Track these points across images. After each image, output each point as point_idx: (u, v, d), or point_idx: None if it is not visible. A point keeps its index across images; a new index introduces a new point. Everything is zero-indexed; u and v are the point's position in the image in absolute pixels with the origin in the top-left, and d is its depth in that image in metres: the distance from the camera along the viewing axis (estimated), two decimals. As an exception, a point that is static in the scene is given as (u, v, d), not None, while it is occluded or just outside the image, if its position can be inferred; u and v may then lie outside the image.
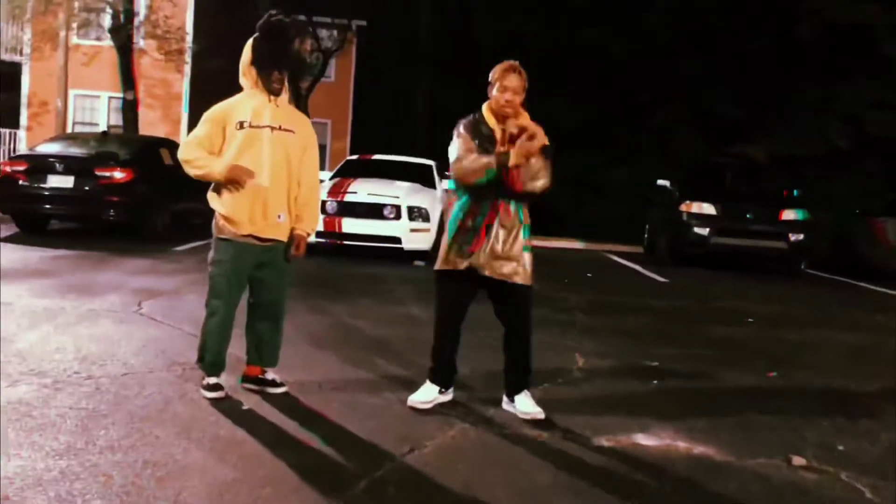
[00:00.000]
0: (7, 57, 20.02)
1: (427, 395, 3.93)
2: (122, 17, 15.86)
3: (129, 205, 9.91)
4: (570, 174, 21.30)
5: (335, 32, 21.83)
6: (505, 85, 3.75)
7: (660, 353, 5.55)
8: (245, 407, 3.76)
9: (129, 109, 16.76)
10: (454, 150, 3.79)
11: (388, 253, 9.83)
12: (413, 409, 3.85)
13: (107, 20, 16.86)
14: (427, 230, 9.87)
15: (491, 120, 3.81)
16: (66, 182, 9.82)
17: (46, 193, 9.90)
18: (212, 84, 19.66)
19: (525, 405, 3.89)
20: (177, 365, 4.40)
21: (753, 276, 11.28)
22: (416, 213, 9.79)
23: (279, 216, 3.85)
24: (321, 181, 10.90)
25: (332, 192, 9.98)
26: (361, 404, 3.93)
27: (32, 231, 10.43)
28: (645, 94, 20.05)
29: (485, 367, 4.65)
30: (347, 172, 11.19)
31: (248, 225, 3.78)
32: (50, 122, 18.29)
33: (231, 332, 3.92)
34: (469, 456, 3.32)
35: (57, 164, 9.93)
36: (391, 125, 25.55)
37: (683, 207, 11.55)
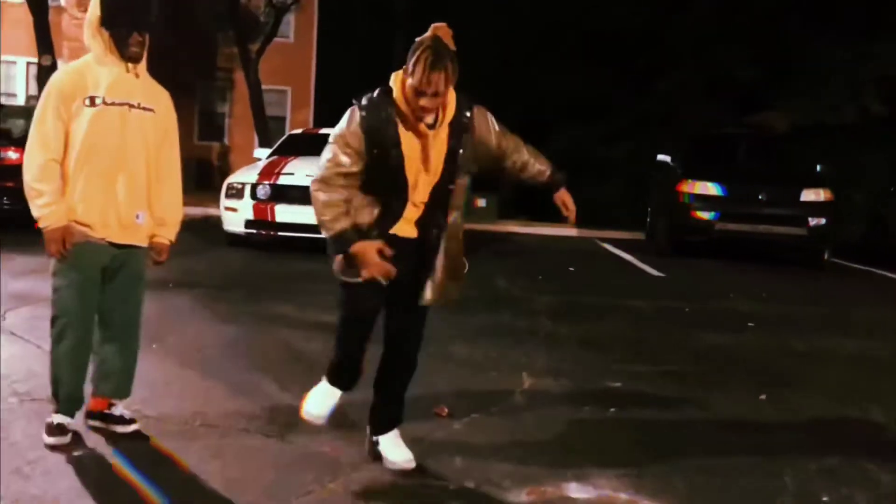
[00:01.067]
0: None
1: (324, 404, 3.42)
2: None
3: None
4: (563, 149, 20.98)
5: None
6: (420, 89, 2.99)
7: (628, 371, 5.21)
8: (76, 452, 3.39)
9: (47, 76, 16.29)
10: (325, 155, 3.18)
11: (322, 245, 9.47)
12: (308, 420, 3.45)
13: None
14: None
15: (402, 104, 3.09)
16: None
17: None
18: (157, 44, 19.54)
19: (395, 452, 3.43)
20: (15, 395, 4.04)
21: (766, 269, 10.95)
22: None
23: (137, 216, 3.51)
24: (258, 159, 10.67)
25: (265, 173, 9.62)
26: (229, 447, 3.58)
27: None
28: (648, 55, 19.64)
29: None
30: (288, 150, 10.81)
31: (100, 228, 3.42)
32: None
33: (87, 357, 3.54)
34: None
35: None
36: (361, 92, 25.11)
37: (684, 187, 11.19)
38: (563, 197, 3.57)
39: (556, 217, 12.51)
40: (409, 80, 3.01)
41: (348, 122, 3.13)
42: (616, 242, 13.67)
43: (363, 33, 25.15)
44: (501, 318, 6.67)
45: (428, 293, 3.30)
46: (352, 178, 3.13)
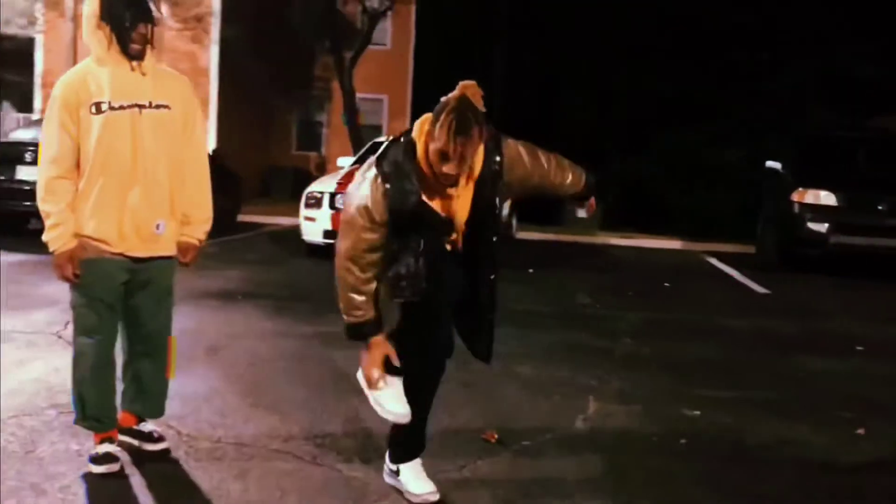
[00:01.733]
0: (17, 31, 20.69)
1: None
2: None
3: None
4: (670, 156, 20.38)
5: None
6: (446, 153, 2.78)
7: (710, 398, 4.88)
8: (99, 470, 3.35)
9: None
10: (348, 225, 2.97)
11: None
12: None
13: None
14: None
15: (424, 166, 2.91)
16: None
17: (15, 187, 9.93)
18: (241, 55, 20.04)
19: (417, 484, 3.22)
20: (55, 406, 4.07)
21: (885, 287, 10.22)
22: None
23: (157, 226, 3.38)
24: (341, 167, 10.72)
25: (344, 182, 9.59)
26: (256, 468, 3.48)
27: (7, 231, 10.49)
28: (761, 53, 18.83)
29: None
30: (369, 156, 10.81)
31: (114, 242, 3.31)
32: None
33: (112, 377, 3.48)
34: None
35: (27, 153, 9.95)
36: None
37: (795, 196, 10.59)
38: (592, 204, 3.59)
39: (661, 229, 12.18)
40: (433, 144, 2.81)
41: (371, 191, 2.91)
42: (722, 256, 13.09)
43: (462, 40, 25.07)
44: (578, 337, 6.41)
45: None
46: (380, 249, 2.98)
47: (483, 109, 2.86)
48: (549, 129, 26.17)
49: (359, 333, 3.03)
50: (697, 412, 4.61)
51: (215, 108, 20.53)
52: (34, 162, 9.72)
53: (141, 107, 3.32)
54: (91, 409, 3.40)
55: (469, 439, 3.94)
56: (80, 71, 3.34)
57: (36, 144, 10.10)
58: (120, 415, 3.58)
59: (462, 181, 2.92)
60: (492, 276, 3.18)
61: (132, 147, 3.30)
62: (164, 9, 17.81)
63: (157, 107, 3.36)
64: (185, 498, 3.19)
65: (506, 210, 12.29)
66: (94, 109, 3.25)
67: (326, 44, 20.92)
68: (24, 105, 21.03)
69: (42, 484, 3.20)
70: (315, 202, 9.50)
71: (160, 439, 3.60)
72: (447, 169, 2.81)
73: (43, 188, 3.27)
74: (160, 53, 3.52)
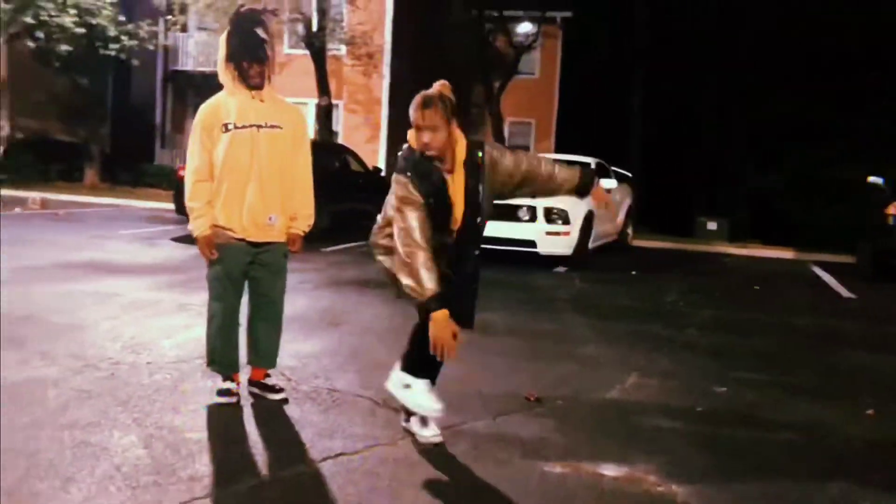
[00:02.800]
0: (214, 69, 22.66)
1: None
2: (314, 25, 17.31)
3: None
4: (795, 174, 19.63)
5: (537, 26, 21.94)
6: (419, 125, 3.27)
7: (743, 379, 5.03)
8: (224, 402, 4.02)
9: (324, 114, 18.24)
10: (402, 219, 3.24)
11: (526, 257, 9.76)
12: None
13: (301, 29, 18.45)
14: (566, 233, 9.69)
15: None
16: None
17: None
18: (410, 86, 21.01)
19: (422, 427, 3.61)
20: (202, 357, 4.78)
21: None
22: (555, 216, 9.65)
23: (270, 218, 3.95)
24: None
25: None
26: (338, 409, 4.04)
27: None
28: (880, 76, 17.79)
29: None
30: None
31: (239, 230, 3.92)
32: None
33: (236, 333, 4.10)
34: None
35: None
36: (601, 123, 25.12)
37: (890, 209, 10.16)
38: (599, 194, 3.68)
39: (780, 241, 11.90)
40: (412, 129, 3.29)
41: (403, 187, 3.27)
42: (827, 265, 12.61)
43: (602, 69, 25.10)
44: (649, 327, 6.61)
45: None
46: (428, 229, 3.25)
47: (451, 98, 3.31)
48: (683, 150, 25.79)
49: (433, 305, 3.13)
50: (724, 389, 4.79)
51: (385, 130, 21.70)
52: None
53: (259, 127, 3.90)
54: (217, 357, 4.05)
55: (513, 399, 4.34)
56: (215, 100, 3.97)
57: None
58: (251, 371, 4.21)
59: (453, 173, 3.33)
60: (476, 252, 3.50)
61: (250, 158, 3.88)
62: (344, 49, 19.13)
63: (271, 127, 3.93)
64: (276, 423, 3.78)
65: (621, 216, 12.42)
66: (223, 129, 3.87)
67: (479, 75, 21.60)
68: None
69: (179, 406, 3.90)
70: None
71: (280, 390, 4.15)
72: (425, 139, 3.24)
73: (189, 190, 3.93)
74: (271, 85, 4.03)
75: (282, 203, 4.01)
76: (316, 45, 17.16)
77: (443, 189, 3.32)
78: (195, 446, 3.40)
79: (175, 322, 5.71)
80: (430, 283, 3.13)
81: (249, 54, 3.86)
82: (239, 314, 4.11)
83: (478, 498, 3.09)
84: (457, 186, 3.37)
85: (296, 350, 5.10)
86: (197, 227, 3.91)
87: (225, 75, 3.93)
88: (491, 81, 20.74)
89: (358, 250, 10.57)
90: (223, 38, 3.95)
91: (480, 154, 3.41)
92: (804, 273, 11.75)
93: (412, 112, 3.29)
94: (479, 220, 3.44)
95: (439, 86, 3.35)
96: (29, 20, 16.87)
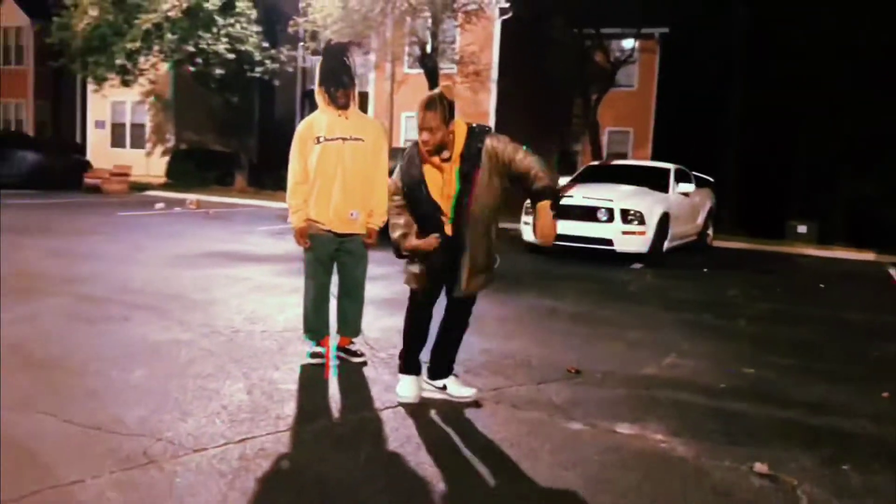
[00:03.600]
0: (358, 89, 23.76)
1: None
2: (428, 48, 17.92)
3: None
4: (887, 178, 18.60)
5: (634, 42, 21.72)
6: (420, 126, 3.62)
7: (772, 363, 5.14)
8: (316, 367, 4.55)
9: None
10: (390, 195, 3.88)
11: (605, 254, 9.92)
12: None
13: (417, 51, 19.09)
14: (642, 233, 9.78)
15: (421, 147, 3.67)
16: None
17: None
18: (515, 99, 21.34)
19: (460, 389, 4.01)
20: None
21: None
22: (631, 216, 9.77)
23: (352, 214, 4.42)
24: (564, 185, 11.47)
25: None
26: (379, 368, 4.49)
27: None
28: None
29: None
30: (584, 178, 11.50)
31: (327, 223, 4.42)
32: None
33: (326, 307, 4.59)
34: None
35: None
36: (697, 131, 24.56)
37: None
38: (540, 211, 3.63)
39: (867, 244, 11.44)
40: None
41: (393, 175, 3.88)
42: (906, 267, 12.06)
43: (699, 80, 24.52)
44: (702, 317, 6.71)
45: (462, 284, 3.81)
46: (402, 207, 3.82)
47: (451, 99, 3.59)
48: (779, 157, 24.83)
49: (396, 248, 3.81)
50: (752, 370, 4.92)
51: (492, 141, 22.10)
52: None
53: (344, 139, 4.38)
54: (310, 325, 4.59)
55: (557, 370, 4.67)
56: (311, 117, 4.48)
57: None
58: (339, 339, 4.70)
59: (451, 163, 3.63)
60: (464, 229, 3.72)
61: (337, 164, 4.36)
62: (455, 67, 19.70)
63: (355, 139, 4.41)
64: (353, 380, 4.27)
65: (701, 218, 12.29)
66: (315, 141, 4.38)
67: (578, 88, 21.64)
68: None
69: (280, 365, 4.46)
70: (528, 211, 10.38)
71: (361, 355, 4.66)
72: (423, 137, 3.59)
73: (289, 190, 4.44)
74: (355, 103, 4.48)
75: (362, 202, 4.47)
76: (429, 65, 17.75)
77: (419, 181, 3.70)
78: (286, 394, 3.94)
79: (289, 301, 6.31)
80: (394, 233, 3.79)
81: (336, 81, 4.35)
82: (329, 292, 4.62)
83: (502, 446, 3.45)
84: (450, 175, 3.66)
85: (382, 325, 5.58)
86: (295, 220, 4.43)
87: (318, 97, 4.43)
88: (589, 94, 20.75)
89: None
90: (318, 65, 4.48)
91: (480, 145, 3.63)
92: (877, 274, 11.28)
93: (417, 111, 3.63)
94: (467, 201, 3.65)
95: (446, 91, 3.64)
96: (190, 48, 18.33)
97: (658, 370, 4.84)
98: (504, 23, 21.10)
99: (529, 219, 10.34)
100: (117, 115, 25.47)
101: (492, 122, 22.01)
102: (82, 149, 24.54)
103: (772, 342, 5.85)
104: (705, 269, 10.08)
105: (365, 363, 4.59)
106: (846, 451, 3.55)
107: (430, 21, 17.48)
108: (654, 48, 24.29)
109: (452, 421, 3.68)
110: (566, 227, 9.90)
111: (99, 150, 24.89)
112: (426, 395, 3.99)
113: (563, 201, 9.99)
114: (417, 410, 3.80)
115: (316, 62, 18.63)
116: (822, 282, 9.63)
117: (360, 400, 3.95)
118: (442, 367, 4.04)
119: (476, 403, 3.94)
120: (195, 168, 22.50)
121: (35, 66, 27.87)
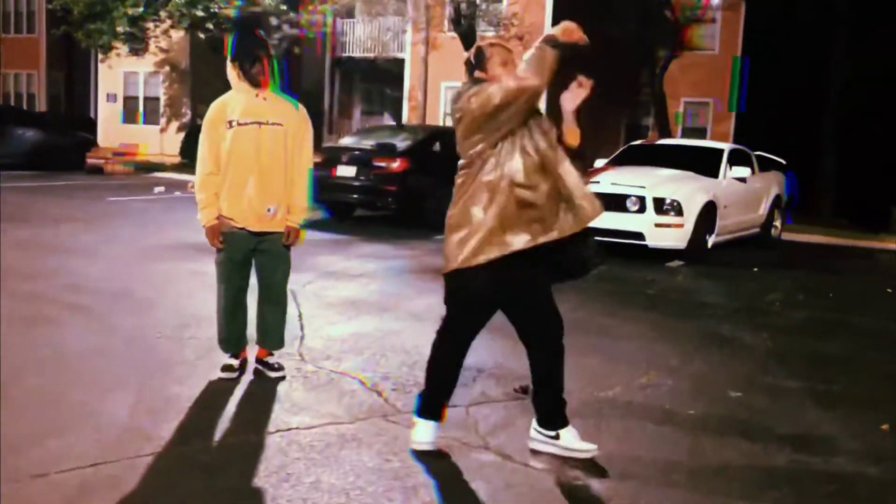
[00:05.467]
0: (395, 54, 23.89)
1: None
2: (462, 8, 17.85)
3: (403, 193, 11.51)
4: None
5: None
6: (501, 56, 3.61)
7: (767, 385, 5.01)
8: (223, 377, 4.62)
9: (473, 99, 18.75)
10: (504, 83, 3.43)
11: (641, 250, 9.72)
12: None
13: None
14: (679, 225, 9.54)
15: None
16: (350, 172, 11.77)
17: (337, 182, 11.95)
18: (568, 67, 21.09)
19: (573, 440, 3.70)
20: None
21: None
22: (667, 206, 9.53)
23: (269, 209, 4.42)
24: (594, 168, 11.30)
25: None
26: (328, 387, 4.53)
27: (340, 218, 12.58)
28: None
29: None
30: (623, 160, 11.29)
31: (240, 220, 4.43)
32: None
33: (241, 315, 4.64)
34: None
35: (342, 156, 11.93)
36: (789, 103, 23.73)
37: None
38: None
39: None
40: None
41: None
42: None
43: (792, 42, 23.64)
44: (718, 327, 6.52)
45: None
46: None
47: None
48: (890, 136, 23.67)
49: None
50: (740, 394, 4.77)
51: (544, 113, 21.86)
52: (348, 163, 11.81)
53: (261, 124, 4.38)
54: (224, 335, 4.63)
55: (504, 388, 4.62)
56: (224, 98, 4.47)
57: (350, 149, 12.17)
58: (258, 350, 4.74)
59: None
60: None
61: (253, 153, 4.36)
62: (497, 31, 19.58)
63: (274, 124, 4.41)
64: (257, 398, 4.32)
65: (764, 207, 11.87)
66: (228, 125, 4.37)
67: (644, 52, 21.23)
68: (399, 115, 24.18)
69: (186, 378, 4.53)
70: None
71: (280, 368, 4.67)
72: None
73: (197, 182, 4.47)
74: (275, 82, 4.50)
75: (281, 196, 4.46)
76: (464, 27, 17.70)
77: None
78: (174, 413, 4.01)
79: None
80: None
81: (249, 54, 4.36)
82: (244, 297, 4.66)
83: (382, 478, 3.43)
84: None
85: (330, 332, 5.65)
86: (203, 216, 4.46)
87: (231, 74, 4.44)
88: (656, 59, 20.34)
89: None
90: (229, 39, 4.52)
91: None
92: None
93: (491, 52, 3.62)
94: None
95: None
96: (199, 13, 18.74)
97: (624, 391, 4.74)
98: (556, -21, 20.87)
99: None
100: (130, 87, 26.25)
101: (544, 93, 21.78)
102: (93, 125, 25.43)
103: (787, 359, 5.66)
104: (755, 268, 9.79)
105: (283, 378, 4.63)
106: (799, 497, 3.42)
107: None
108: (737, 5, 23.56)
109: (344, 448, 3.69)
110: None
111: (110, 126, 25.70)
112: (536, 446, 3.73)
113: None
114: (311, 435, 3.82)
115: (350, 24, 18.74)
116: (888, 284, 9.21)
117: (252, 421, 4.00)
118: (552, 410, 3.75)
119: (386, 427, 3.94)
120: (212, 146, 22.99)
121: (47, 35, 28.98)
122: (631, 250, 9.71)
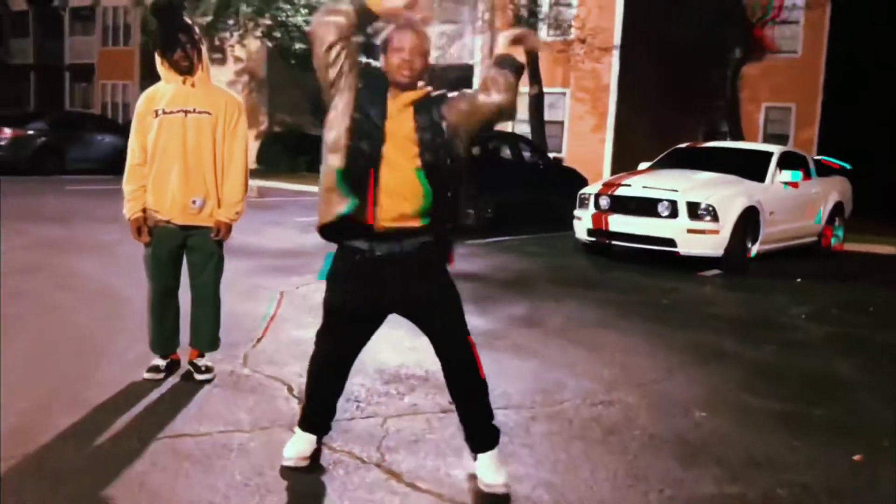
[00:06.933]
0: (461, 62, 23.62)
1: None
2: (525, 13, 17.45)
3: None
4: None
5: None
6: (396, 46, 3.02)
7: (741, 406, 4.48)
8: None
9: (533, 104, 18.32)
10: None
11: (669, 258, 9.11)
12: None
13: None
14: (714, 231, 8.87)
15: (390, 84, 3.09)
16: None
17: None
18: (640, 73, 20.31)
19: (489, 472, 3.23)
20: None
21: None
22: (701, 211, 8.88)
23: (193, 202, 4.19)
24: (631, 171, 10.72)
25: (608, 184, 9.77)
26: (254, 395, 4.26)
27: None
28: None
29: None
30: (666, 163, 10.67)
31: (164, 212, 4.22)
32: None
33: (170, 314, 4.40)
34: None
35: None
36: (878, 110, 22.19)
37: None
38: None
39: None
40: None
41: None
42: None
43: (885, 43, 22.09)
44: (720, 341, 5.90)
45: None
46: None
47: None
48: None
49: None
50: (704, 414, 4.24)
51: (612, 119, 21.18)
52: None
53: (187, 112, 4.16)
54: (153, 335, 4.42)
55: (440, 404, 4.24)
56: (152, 89, 4.30)
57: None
58: (190, 352, 4.48)
59: None
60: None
61: (178, 142, 4.15)
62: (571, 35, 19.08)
63: (200, 112, 4.18)
64: (168, 402, 4.06)
65: (818, 217, 10.99)
66: (154, 115, 4.19)
67: (719, 56, 20.25)
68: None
69: (118, 380, 4.32)
70: (582, 202, 9.73)
71: (209, 370, 4.42)
72: (405, 56, 3.05)
73: (125, 174, 4.27)
74: (208, 71, 4.32)
75: (207, 188, 4.23)
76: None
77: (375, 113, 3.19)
78: (73, 411, 3.80)
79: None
80: None
81: (171, 41, 4.15)
82: (175, 296, 4.43)
83: (247, 492, 3.13)
84: None
85: (292, 335, 5.37)
86: (128, 210, 4.26)
87: (159, 65, 4.24)
88: (730, 63, 19.35)
89: (503, 244, 10.58)
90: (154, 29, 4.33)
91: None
92: None
93: (389, 35, 3.08)
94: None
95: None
96: (267, 21, 18.98)
97: (573, 408, 4.27)
98: (628, -18, 20.17)
99: (580, 212, 9.76)
100: (212, 96, 26.92)
101: (612, 98, 21.12)
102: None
103: (781, 378, 5.06)
104: (798, 280, 9.00)
105: (209, 381, 4.38)
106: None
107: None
108: (822, 3, 22.20)
109: (213, 458, 3.39)
110: (619, 222, 9.26)
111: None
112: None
113: (619, 192, 9.40)
114: (199, 442, 3.54)
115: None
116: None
117: (143, 426, 3.72)
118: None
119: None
120: (285, 153, 23.32)
121: (141, 47, 29.99)
122: (665, 258, 9.12)
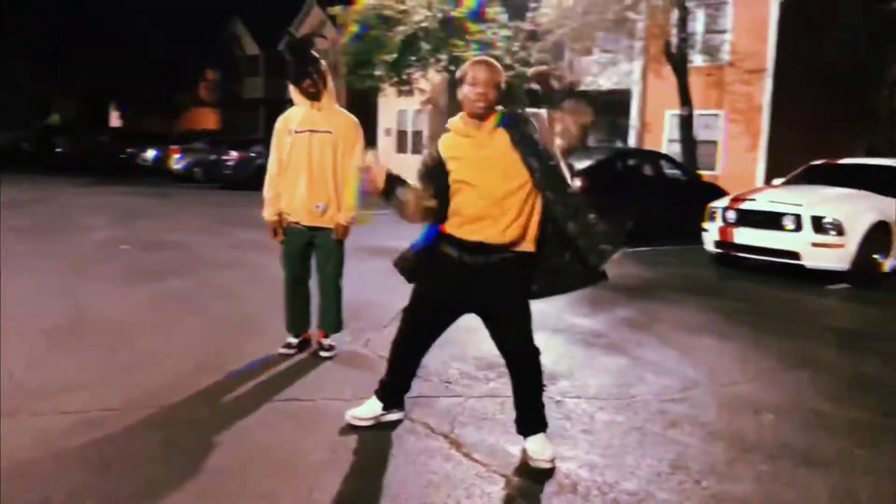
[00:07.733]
0: (622, 86, 23.06)
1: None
2: (673, 38, 16.80)
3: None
4: None
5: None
6: (474, 77, 3.13)
7: (818, 413, 4.10)
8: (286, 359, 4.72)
9: (683, 124, 17.59)
10: None
11: (797, 271, 8.47)
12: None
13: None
14: (839, 245, 8.16)
15: (449, 141, 3.27)
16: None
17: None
18: (794, 93, 18.94)
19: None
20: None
21: None
22: (826, 225, 8.20)
23: (317, 206, 4.49)
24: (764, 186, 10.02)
25: (735, 198, 9.23)
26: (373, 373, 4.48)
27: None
28: None
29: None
30: (801, 179, 9.93)
31: (294, 215, 4.56)
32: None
33: (300, 300, 4.73)
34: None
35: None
36: None
37: None
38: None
39: None
40: None
41: None
42: None
43: None
44: (816, 351, 5.44)
45: None
46: None
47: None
48: None
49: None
50: (772, 416, 3.97)
51: (766, 139, 19.90)
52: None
53: (313, 131, 4.50)
54: (287, 317, 4.78)
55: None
56: (288, 111, 4.64)
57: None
58: (318, 333, 4.81)
59: None
60: None
61: (305, 156, 4.49)
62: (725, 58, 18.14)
63: (323, 132, 4.50)
64: (291, 374, 4.35)
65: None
66: (289, 134, 4.56)
67: (876, 77, 18.49)
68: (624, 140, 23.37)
69: (259, 352, 4.70)
70: (711, 215, 9.26)
71: (330, 349, 4.72)
72: (479, 90, 3.17)
73: (265, 183, 4.65)
74: (332, 97, 4.59)
75: (328, 195, 4.52)
76: (675, 57, 16.65)
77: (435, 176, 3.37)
78: (220, 379, 4.19)
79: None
80: None
81: (301, 73, 4.48)
82: (304, 286, 4.77)
83: (360, 459, 3.31)
84: None
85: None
86: (266, 213, 4.65)
87: (292, 92, 4.60)
88: (888, 82, 17.63)
89: (639, 254, 10.27)
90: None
91: None
92: None
93: (466, 70, 3.22)
94: None
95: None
96: (444, 57, 19.51)
97: (639, 401, 4.15)
98: (783, 5, 18.89)
99: (708, 224, 9.32)
100: (401, 122, 28.03)
101: (764, 118, 19.84)
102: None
103: (872, 389, 4.59)
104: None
105: (330, 359, 4.66)
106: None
107: (675, 9, 16.43)
108: None
109: (329, 423, 3.60)
110: (745, 235, 8.77)
111: (387, 156, 27.61)
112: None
113: (745, 206, 8.86)
114: (304, 407, 3.79)
115: (584, 60, 18.54)
116: None
117: (267, 393, 4.01)
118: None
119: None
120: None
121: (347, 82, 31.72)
122: (795, 271, 8.49)
